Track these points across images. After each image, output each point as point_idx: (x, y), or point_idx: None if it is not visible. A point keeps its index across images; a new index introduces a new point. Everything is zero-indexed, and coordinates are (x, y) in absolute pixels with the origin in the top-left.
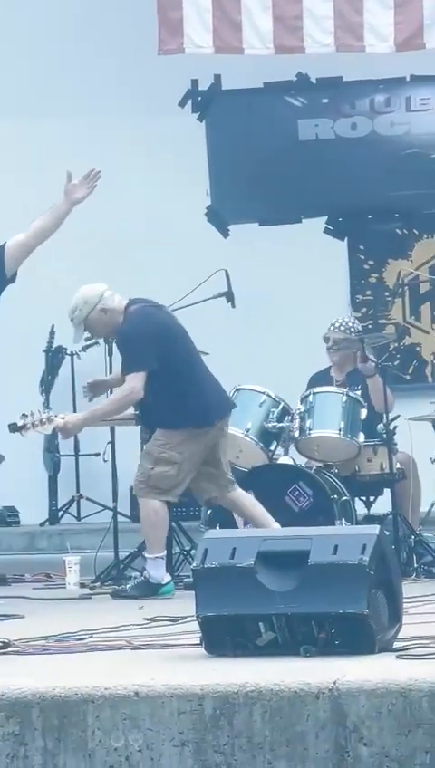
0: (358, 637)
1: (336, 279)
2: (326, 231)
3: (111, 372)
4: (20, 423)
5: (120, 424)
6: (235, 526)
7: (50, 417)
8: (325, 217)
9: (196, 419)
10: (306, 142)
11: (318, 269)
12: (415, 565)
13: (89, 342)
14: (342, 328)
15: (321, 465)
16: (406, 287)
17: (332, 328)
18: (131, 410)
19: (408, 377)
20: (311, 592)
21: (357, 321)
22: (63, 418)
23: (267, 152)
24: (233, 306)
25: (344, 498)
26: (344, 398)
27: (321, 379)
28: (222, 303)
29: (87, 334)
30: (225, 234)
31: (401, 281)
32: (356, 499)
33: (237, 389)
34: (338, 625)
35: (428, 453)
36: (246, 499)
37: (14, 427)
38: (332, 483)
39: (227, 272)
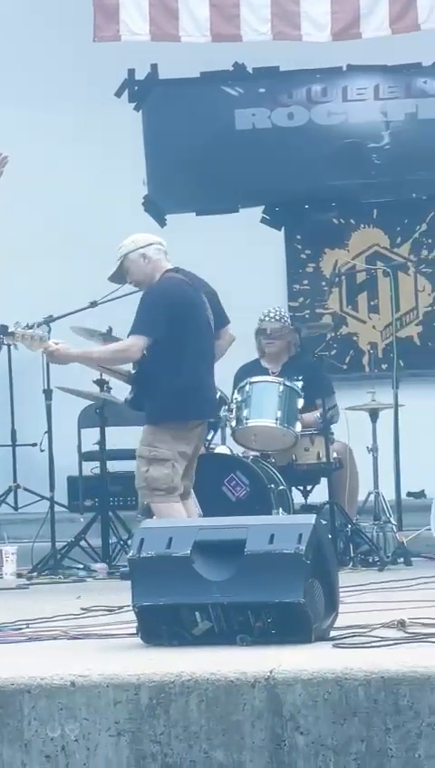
0: (294, 626)
1: (273, 269)
2: (263, 221)
3: (47, 368)
4: (11, 328)
5: (114, 376)
6: None
7: (43, 337)
8: (262, 207)
9: (183, 412)
10: (243, 132)
11: (255, 259)
12: (352, 554)
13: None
14: (277, 317)
15: (258, 454)
16: (343, 277)
17: (267, 318)
18: (128, 367)
19: (345, 366)
20: (247, 582)
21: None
22: (57, 344)
23: (204, 142)
24: None
25: (281, 487)
26: (281, 387)
27: (250, 370)
28: None
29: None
30: (162, 223)
31: (337, 270)
32: (293, 488)
33: None
34: (275, 614)
35: (365, 442)
36: (193, 513)
37: (3, 330)
38: (268, 472)
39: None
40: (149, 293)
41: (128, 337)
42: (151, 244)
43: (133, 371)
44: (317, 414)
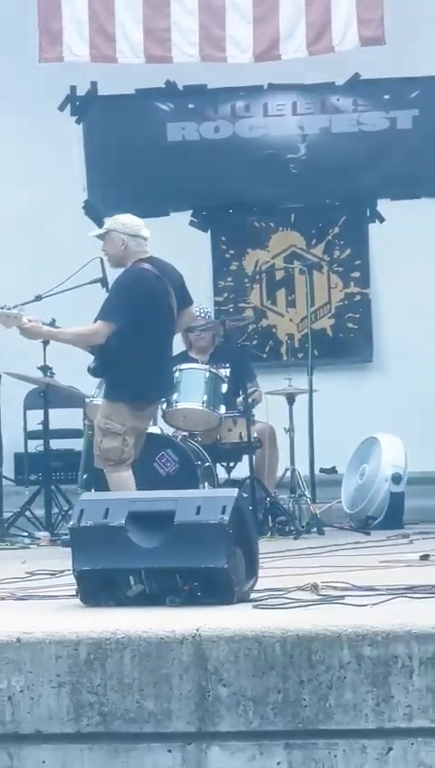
0: (219, 589)
1: (200, 267)
2: (191, 223)
3: None
4: None
5: (79, 345)
6: (108, 490)
7: (18, 315)
8: (191, 211)
9: (139, 393)
10: (174, 143)
11: (184, 258)
12: (270, 524)
13: None
14: (202, 315)
15: (186, 434)
16: (263, 274)
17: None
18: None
19: (265, 355)
20: (176, 549)
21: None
22: (30, 321)
23: (139, 152)
24: (107, 291)
25: (207, 464)
26: (207, 374)
27: (180, 362)
28: (97, 288)
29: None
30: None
31: (258, 269)
32: (218, 465)
33: None
34: (201, 578)
35: (283, 423)
36: (129, 480)
37: None
38: (196, 450)
39: (102, 259)
40: (119, 282)
41: (95, 322)
42: (136, 236)
43: (93, 364)
44: (240, 399)
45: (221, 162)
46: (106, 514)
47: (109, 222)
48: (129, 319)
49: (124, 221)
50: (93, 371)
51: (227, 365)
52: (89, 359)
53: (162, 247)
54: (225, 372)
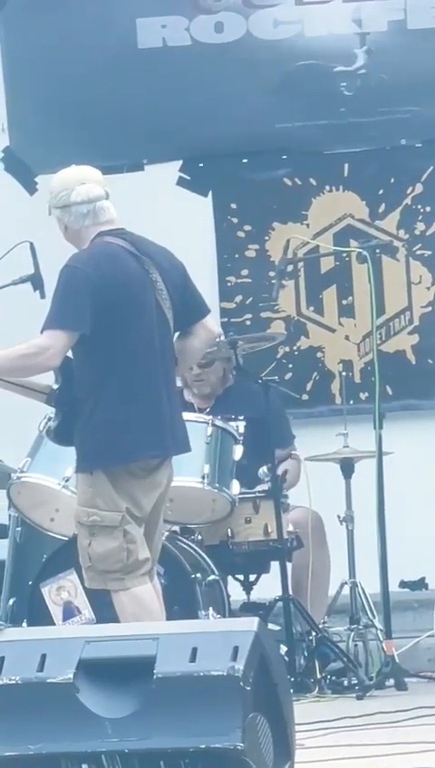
0: None
1: (197, 253)
2: (181, 182)
3: None
4: None
5: (26, 394)
6: (51, 621)
7: None
8: (179, 162)
9: (129, 446)
10: (149, 51)
11: (169, 238)
12: (318, 675)
13: None
14: None
15: (177, 529)
16: (299, 265)
17: None
18: (48, 379)
19: (305, 397)
20: (158, 718)
21: None
22: None
23: (91, 67)
24: (42, 296)
25: (212, 578)
26: (209, 428)
27: None
28: (28, 291)
29: None
30: (30, 188)
31: (291, 254)
32: (230, 579)
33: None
34: (200, 766)
35: (335, 509)
36: (151, 603)
37: None
38: (193, 555)
39: (32, 245)
40: (68, 268)
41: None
42: (83, 203)
43: (56, 386)
44: (264, 469)
45: (228, 81)
46: (43, 664)
47: (52, 197)
48: (95, 323)
49: (52, 186)
50: (56, 434)
51: (242, 416)
52: (12, 408)
53: (132, 221)
54: (238, 426)
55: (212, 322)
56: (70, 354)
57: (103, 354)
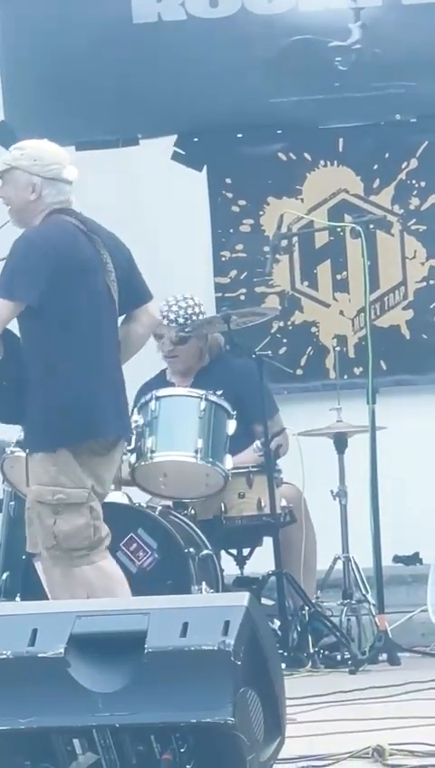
0: (221, 757)
1: (192, 228)
2: (176, 157)
3: None
4: None
5: None
6: (44, 595)
7: None
8: (174, 137)
9: (97, 422)
10: (144, 26)
11: (164, 213)
12: (311, 650)
13: None
14: (173, 317)
15: (170, 503)
16: (294, 238)
17: (161, 317)
18: None
19: (299, 371)
20: (149, 693)
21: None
22: None
23: (87, 42)
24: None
25: (205, 552)
26: (203, 403)
27: (157, 385)
28: None
29: None
30: None
31: (286, 229)
32: (222, 553)
33: None
34: (191, 740)
35: (328, 484)
36: (117, 573)
37: None
38: (186, 530)
39: None
40: (24, 239)
41: None
42: (56, 180)
43: None
44: (257, 444)
45: (222, 56)
46: (34, 639)
47: (11, 154)
48: (50, 299)
49: (37, 152)
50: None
51: (220, 391)
52: None
53: (127, 196)
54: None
55: (155, 308)
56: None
57: (58, 333)
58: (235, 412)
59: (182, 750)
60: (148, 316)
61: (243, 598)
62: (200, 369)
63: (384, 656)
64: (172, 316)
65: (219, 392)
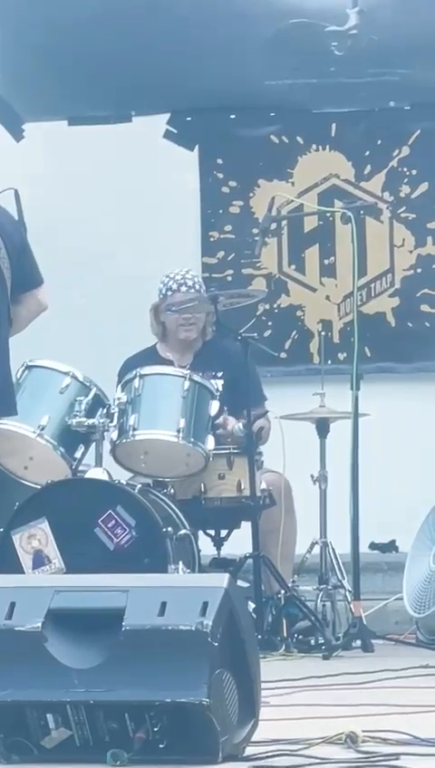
0: (194, 738)
1: (182, 207)
2: (168, 135)
3: None
4: None
5: None
6: (20, 569)
7: None
8: (166, 115)
9: None
10: (140, 2)
11: (154, 191)
12: (284, 634)
13: None
14: (190, 283)
15: (150, 482)
16: (283, 222)
17: (175, 284)
18: None
19: (283, 355)
20: (125, 671)
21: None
22: None
23: (82, 17)
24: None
25: (182, 532)
26: (186, 383)
27: (145, 361)
28: None
29: None
30: (17, 135)
31: (275, 213)
32: (200, 534)
33: (28, 367)
34: (165, 720)
35: (308, 468)
36: None
37: None
38: (164, 509)
39: (17, 192)
40: None
41: None
42: None
43: None
44: (240, 425)
45: (218, 36)
46: (11, 613)
47: None
48: None
49: None
50: None
51: (220, 373)
52: None
53: (117, 173)
54: (216, 384)
55: (44, 295)
56: None
57: None
58: (219, 392)
59: (156, 729)
60: (35, 302)
61: (222, 579)
62: (198, 349)
63: (358, 642)
64: (190, 282)
65: (219, 373)
